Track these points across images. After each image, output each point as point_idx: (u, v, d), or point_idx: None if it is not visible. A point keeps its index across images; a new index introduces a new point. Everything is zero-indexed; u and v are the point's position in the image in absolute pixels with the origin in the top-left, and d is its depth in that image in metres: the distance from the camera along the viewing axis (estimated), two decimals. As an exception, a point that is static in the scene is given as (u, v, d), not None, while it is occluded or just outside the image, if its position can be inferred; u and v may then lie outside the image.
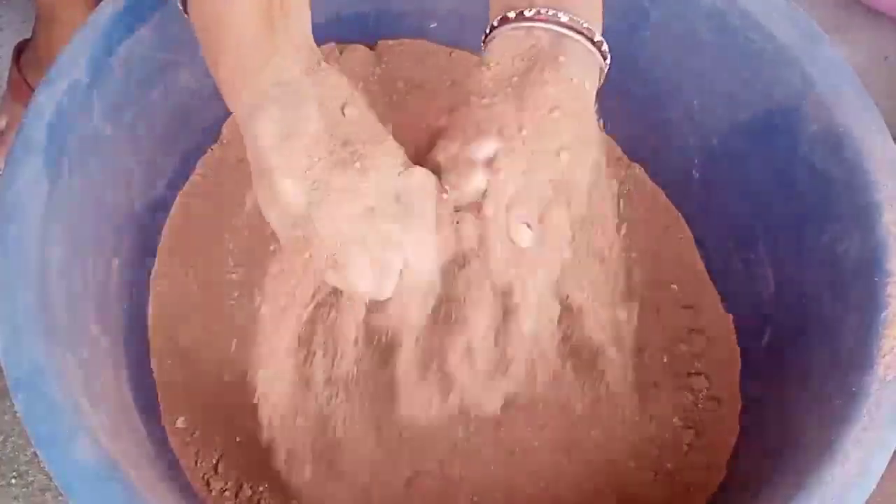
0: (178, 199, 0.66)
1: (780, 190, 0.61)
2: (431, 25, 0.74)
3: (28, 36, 0.88)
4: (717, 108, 0.64)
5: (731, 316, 0.66)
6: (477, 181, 0.46)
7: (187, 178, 0.66)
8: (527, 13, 0.46)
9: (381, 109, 0.48)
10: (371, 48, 0.73)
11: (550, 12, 0.46)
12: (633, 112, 0.70)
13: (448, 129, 0.47)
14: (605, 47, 0.48)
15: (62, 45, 0.54)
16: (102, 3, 0.55)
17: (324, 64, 0.46)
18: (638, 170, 0.72)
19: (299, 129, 0.43)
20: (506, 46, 0.47)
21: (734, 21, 0.60)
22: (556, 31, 0.46)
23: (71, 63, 0.53)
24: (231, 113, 0.47)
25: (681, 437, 0.62)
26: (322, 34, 0.73)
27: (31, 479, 0.75)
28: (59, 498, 0.75)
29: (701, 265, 0.69)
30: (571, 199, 0.46)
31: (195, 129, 0.64)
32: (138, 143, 0.59)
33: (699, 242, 0.69)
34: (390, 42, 0.74)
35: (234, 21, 0.44)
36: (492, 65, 0.47)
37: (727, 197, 0.66)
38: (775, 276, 0.62)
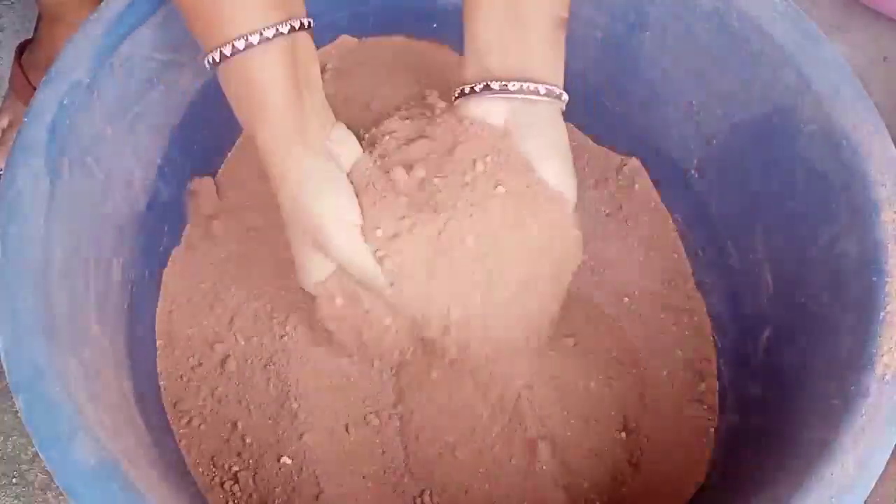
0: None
1: (779, 190, 0.61)
2: (433, 25, 0.74)
3: (29, 36, 0.88)
4: (716, 109, 0.64)
5: (710, 323, 0.68)
6: None
7: (187, 179, 0.66)
8: (511, 87, 0.53)
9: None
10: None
11: (532, 87, 0.53)
12: (632, 112, 0.70)
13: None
14: (564, 97, 0.55)
15: (64, 46, 0.54)
16: (103, 3, 0.56)
17: (338, 124, 0.54)
18: (639, 176, 0.72)
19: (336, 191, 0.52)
20: (488, 111, 0.55)
21: (733, 21, 0.60)
22: (533, 100, 0.54)
23: (72, 63, 0.53)
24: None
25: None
26: (324, 32, 0.74)
27: (32, 478, 0.76)
28: (60, 497, 0.75)
29: (686, 267, 0.70)
30: None
31: (195, 129, 0.64)
32: (138, 143, 0.59)
33: (698, 242, 0.70)
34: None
35: (266, 88, 0.49)
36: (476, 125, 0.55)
37: (726, 197, 0.66)
38: (774, 276, 0.62)
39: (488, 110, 0.55)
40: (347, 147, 0.54)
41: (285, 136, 0.50)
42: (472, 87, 0.55)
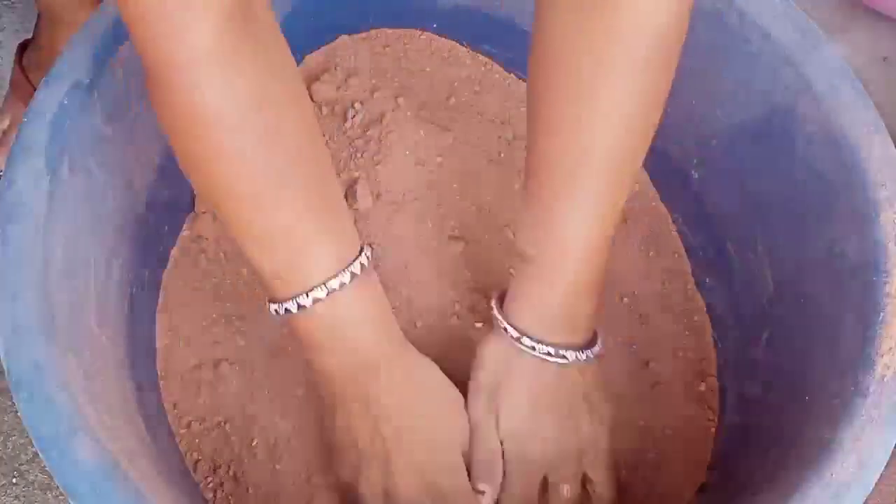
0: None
1: (779, 190, 0.61)
2: (433, 25, 0.74)
3: (29, 36, 0.88)
4: (716, 109, 0.64)
5: (710, 327, 0.68)
6: None
7: (187, 179, 0.66)
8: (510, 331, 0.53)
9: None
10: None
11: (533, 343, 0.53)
12: (633, 112, 0.70)
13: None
14: (596, 348, 0.55)
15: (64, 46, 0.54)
16: (104, 3, 0.56)
17: None
18: (638, 176, 0.72)
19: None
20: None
21: (732, 21, 0.60)
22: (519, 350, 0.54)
23: (72, 63, 0.53)
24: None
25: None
26: (323, 32, 0.74)
27: (32, 478, 0.76)
28: (60, 497, 0.75)
29: (686, 266, 0.70)
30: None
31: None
32: (138, 143, 0.59)
33: (698, 242, 0.70)
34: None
35: (358, 323, 0.51)
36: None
37: (726, 197, 0.66)
38: (774, 277, 0.62)
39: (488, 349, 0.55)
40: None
41: (383, 350, 0.52)
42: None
